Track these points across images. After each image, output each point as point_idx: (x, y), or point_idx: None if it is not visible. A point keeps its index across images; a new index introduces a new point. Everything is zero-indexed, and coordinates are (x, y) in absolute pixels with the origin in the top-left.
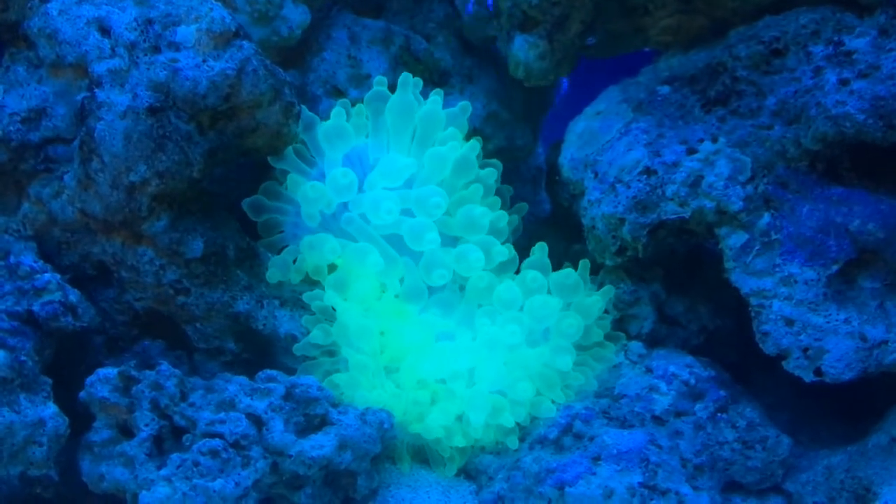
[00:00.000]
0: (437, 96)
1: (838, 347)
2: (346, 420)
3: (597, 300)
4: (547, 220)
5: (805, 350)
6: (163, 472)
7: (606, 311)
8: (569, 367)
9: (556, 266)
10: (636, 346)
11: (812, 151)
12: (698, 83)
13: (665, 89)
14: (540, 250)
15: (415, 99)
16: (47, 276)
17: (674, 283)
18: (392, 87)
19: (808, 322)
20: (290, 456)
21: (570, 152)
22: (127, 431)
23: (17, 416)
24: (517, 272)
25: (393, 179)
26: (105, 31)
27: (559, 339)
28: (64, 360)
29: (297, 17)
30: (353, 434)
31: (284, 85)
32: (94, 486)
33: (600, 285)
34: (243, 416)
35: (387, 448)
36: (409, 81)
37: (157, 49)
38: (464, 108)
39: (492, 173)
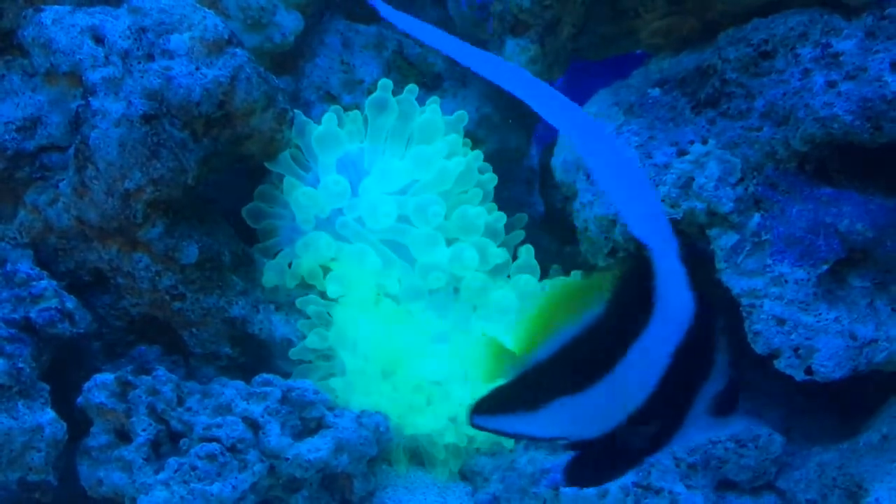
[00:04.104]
0: (435, 105)
1: (828, 346)
2: (343, 423)
3: None
4: (540, 221)
5: (796, 349)
6: (160, 476)
7: None
8: None
9: (550, 266)
10: None
11: (801, 153)
12: (688, 85)
13: (656, 92)
14: (526, 252)
15: (414, 106)
16: (44, 283)
17: None
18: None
19: (799, 321)
20: (287, 459)
21: (563, 155)
22: (124, 436)
23: (15, 422)
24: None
25: (389, 183)
26: (99, 39)
27: None
28: (61, 367)
29: (290, 23)
30: (349, 437)
31: (278, 92)
32: (92, 490)
33: None
34: (240, 419)
35: (383, 451)
36: (412, 90)
37: (150, 57)
38: (460, 117)
39: (492, 179)
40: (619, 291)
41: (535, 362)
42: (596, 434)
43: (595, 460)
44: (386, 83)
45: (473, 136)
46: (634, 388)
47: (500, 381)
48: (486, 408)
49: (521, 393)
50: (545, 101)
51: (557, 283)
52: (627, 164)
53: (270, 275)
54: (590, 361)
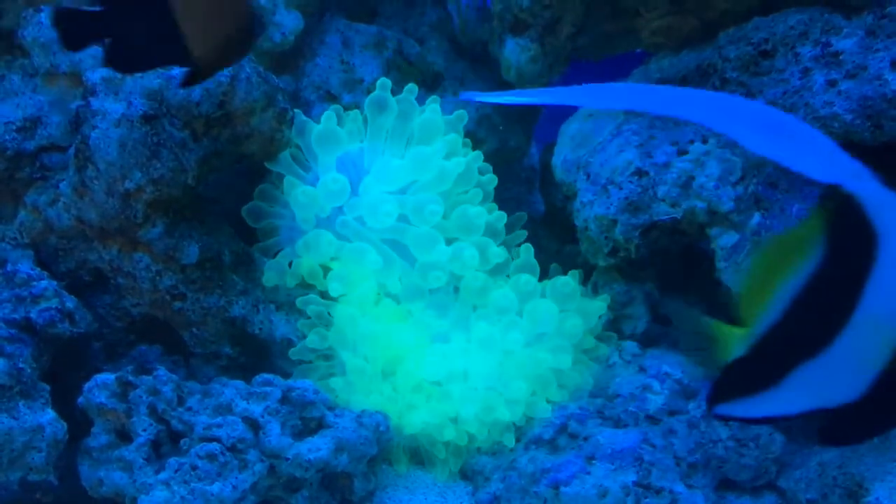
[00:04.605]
0: (434, 104)
1: None
2: (343, 423)
3: (600, 305)
4: (541, 220)
5: None
6: (161, 476)
7: (600, 317)
8: (568, 365)
9: (550, 266)
10: (630, 346)
11: None
12: (689, 84)
13: None
14: (526, 251)
15: (414, 105)
16: (44, 283)
17: (667, 283)
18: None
19: None
20: (287, 459)
21: (563, 154)
22: (125, 436)
23: (15, 422)
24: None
25: (388, 183)
26: None
27: (559, 340)
28: (62, 367)
29: (290, 23)
30: (349, 436)
31: (277, 91)
32: (93, 490)
33: (594, 286)
34: (240, 419)
35: (384, 450)
36: (411, 90)
37: None
38: (459, 116)
39: (492, 180)
40: (834, 235)
41: (764, 331)
42: (850, 397)
43: (857, 420)
44: (385, 82)
45: (473, 136)
46: (881, 335)
47: (732, 360)
48: (724, 394)
49: (756, 369)
50: (660, 98)
51: (764, 243)
52: (777, 116)
53: (271, 274)
54: (822, 317)
